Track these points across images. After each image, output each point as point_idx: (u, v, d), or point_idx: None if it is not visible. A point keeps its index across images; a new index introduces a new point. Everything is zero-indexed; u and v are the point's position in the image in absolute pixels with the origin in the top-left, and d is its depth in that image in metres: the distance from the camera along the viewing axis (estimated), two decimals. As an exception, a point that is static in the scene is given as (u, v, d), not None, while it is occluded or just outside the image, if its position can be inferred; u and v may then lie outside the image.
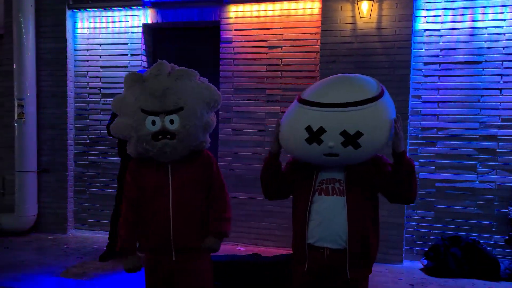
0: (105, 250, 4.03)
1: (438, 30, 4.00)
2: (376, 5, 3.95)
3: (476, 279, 3.64)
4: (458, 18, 3.94)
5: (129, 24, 4.79)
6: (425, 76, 4.04)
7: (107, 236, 4.08)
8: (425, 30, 4.02)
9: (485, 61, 3.91)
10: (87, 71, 4.94)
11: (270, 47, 4.38)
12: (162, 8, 4.65)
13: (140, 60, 4.77)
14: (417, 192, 1.96)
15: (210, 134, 2.19)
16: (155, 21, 4.70)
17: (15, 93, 4.73)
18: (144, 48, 4.82)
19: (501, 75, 3.88)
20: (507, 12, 3.85)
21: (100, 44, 4.89)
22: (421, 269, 3.87)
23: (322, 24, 4.14)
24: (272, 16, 4.37)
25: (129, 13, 4.77)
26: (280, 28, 4.35)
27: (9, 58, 4.88)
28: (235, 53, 4.46)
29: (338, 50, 4.12)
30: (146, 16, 4.72)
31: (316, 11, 4.24)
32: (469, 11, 3.92)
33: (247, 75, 4.43)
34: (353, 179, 1.90)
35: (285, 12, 4.33)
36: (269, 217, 4.37)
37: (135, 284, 3.36)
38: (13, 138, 4.82)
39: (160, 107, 1.95)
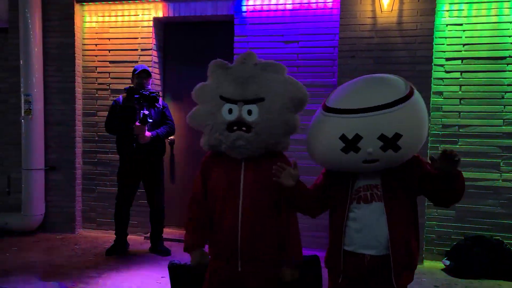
0: (112, 244, 4.12)
1: (461, 24, 3.89)
2: (397, -1, 3.85)
3: (501, 280, 3.56)
4: (482, 12, 3.84)
5: (139, 17, 4.65)
6: (447, 72, 3.94)
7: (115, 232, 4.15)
8: (447, 25, 3.91)
9: (509, 56, 3.81)
10: (96, 67, 4.80)
11: (286, 42, 4.26)
12: (174, 1, 4.51)
13: (151, 55, 4.63)
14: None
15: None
16: (167, 15, 4.57)
17: (22, 89, 4.59)
18: (155, 43, 4.69)
19: (526, 71, 3.79)
20: (532, 7, 3.76)
21: (109, 39, 4.75)
22: (442, 270, 3.79)
23: (341, 18, 4.03)
24: (288, 10, 4.25)
25: (140, 6, 4.63)
26: (296, 23, 4.23)
27: (14, 53, 4.74)
28: (250, 48, 4.34)
29: (357, 45, 4.01)
30: (157, 9, 4.58)
31: (335, 4, 4.13)
32: (493, 5, 3.81)
33: (262, 71, 4.31)
34: (390, 183, 1.81)
35: (302, 6, 4.22)
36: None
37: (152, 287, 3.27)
38: (19, 135, 4.68)
39: (239, 95, 1.82)
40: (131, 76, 4.08)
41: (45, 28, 4.69)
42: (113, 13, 4.71)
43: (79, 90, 4.80)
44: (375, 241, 1.78)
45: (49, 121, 4.77)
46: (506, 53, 3.81)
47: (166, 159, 4.97)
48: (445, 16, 3.91)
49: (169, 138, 4.88)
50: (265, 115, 1.81)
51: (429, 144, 3.92)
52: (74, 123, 4.76)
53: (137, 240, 4.49)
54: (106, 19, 4.74)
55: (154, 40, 4.67)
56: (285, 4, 4.25)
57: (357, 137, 1.68)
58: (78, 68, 4.77)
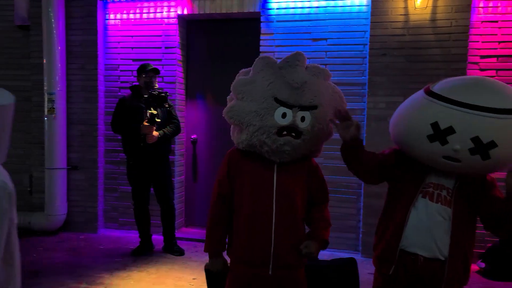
0: (138, 245, 4.13)
1: (496, 21, 3.80)
2: (431, -5, 3.77)
3: (540, 283, 3.49)
4: (519, 9, 3.76)
5: (163, 15, 4.58)
6: (482, 70, 3.85)
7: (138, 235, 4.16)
8: (482, 22, 3.83)
9: (546, 54, 3.73)
10: (118, 65, 4.74)
11: (314, 39, 4.19)
12: (199, -1, 4.45)
13: (175, 53, 4.57)
14: None
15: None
16: (191, 12, 4.50)
17: (45, 88, 4.54)
18: (179, 41, 4.62)
19: (563, 69, 3.70)
20: None
21: (132, 36, 4.69)
22: (476, 272, 3.71)
23: (372, 15, 3.95)
24: (316, 7, 4.17)
25: (164, 3, 4.57)
26: (325, 20, 4.16)
27: (36, 51, 4.69)
28: (277, 46, 4.27)
29: (388, 43, 3.93)
30: (182, 6, 4.52)
31: (365, 1, 4.05)
32: (530, 1, 3.74)
33: (290, 69, 4.24)
34: (463, 191, 1.71)
35: (331, 3, 4.14)
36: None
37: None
38: (42, 134, 4.64)
39: (296, 100, 1.74)
40: (136, 74, 4.04)
41: (67, 25, 4.63)
42: (136, 10, 4.65)
43: (101, 88, 4.74)
44: (432, 244, 1.70)
45: (71, 120, 4.72)
46: (543, 51, 3.73)
47: (189, 159, 4.92)
48: (480, 13, 3.82)
49: (191, 137, 4.83)
50: (316, 124, 1.78)
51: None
52: (97, 122, 4.71)
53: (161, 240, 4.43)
54: (130, 16, 4.68)
55: (179, 38, 4.60)
56: (313, 1, 4.17)
57: (450, 130, 1.58)
58: (101, 66, 4.71)
